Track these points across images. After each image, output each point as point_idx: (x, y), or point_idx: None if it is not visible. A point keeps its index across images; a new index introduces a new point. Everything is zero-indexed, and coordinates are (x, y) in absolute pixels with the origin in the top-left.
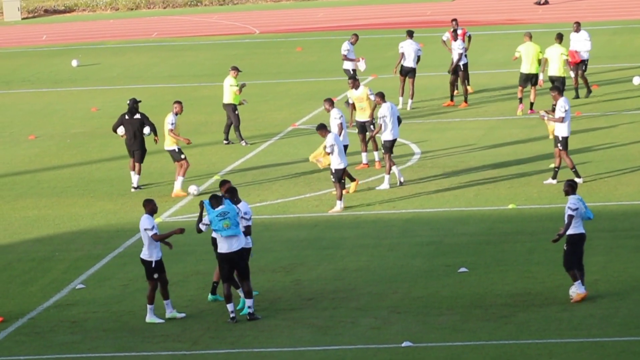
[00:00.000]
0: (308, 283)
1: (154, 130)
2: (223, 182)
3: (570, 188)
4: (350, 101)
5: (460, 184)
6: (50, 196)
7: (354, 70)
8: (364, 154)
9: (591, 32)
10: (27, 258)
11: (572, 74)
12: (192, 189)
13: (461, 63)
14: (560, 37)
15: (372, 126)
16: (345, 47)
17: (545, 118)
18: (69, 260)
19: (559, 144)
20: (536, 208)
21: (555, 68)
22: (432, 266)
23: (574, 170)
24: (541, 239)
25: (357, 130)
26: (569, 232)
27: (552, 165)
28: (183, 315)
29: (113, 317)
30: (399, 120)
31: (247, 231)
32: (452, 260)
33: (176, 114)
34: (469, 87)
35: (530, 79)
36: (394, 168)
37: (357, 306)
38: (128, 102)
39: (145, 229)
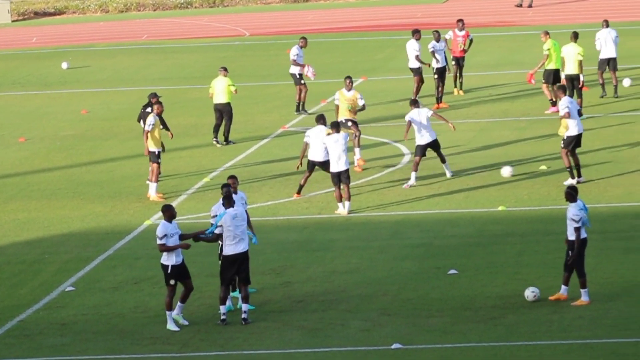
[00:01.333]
0: (298, 285)
1: (165, 126)
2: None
3: (570, 196)
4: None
5: (450, 185)
6: (40, 199)
7: (300, 75)
8: None
9: (580, 34)
10: (17, 260)
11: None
12: (507, 171)
13: (440, 65)
14: (575, 36)
15: (348, 123)
16: (295, 51)
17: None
18: (59, 263)
19: (562, 142)
20: (526, 210)
21: (571, 66)
22: (421, 268)
23: (569, 169)
24: (531, 241)
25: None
26: (570, 238)
27: (543, 167)
28: (186, 323)
29: (103, 319)
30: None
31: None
32: (442, 262)
33: (157, 115)
34: (461, 91)
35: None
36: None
37: (347, 308)
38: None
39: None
